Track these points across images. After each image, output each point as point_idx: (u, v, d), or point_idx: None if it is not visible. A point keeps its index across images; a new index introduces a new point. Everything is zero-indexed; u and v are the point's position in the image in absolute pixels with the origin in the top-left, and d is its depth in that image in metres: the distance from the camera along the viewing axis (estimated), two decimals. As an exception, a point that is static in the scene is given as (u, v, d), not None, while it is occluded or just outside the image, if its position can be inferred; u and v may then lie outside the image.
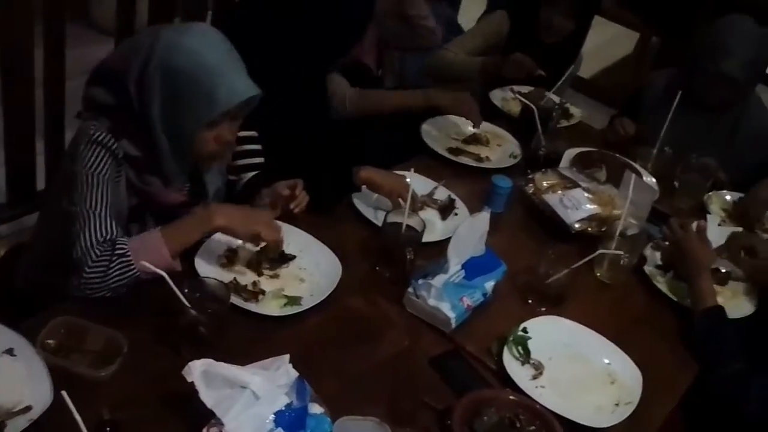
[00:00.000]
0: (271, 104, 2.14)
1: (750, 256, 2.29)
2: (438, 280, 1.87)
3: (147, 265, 1.61)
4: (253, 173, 2.19)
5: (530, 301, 2.03)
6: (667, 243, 2.27)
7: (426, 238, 2.05)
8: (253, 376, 1.42)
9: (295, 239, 1.97)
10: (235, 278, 1.83)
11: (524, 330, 1.87)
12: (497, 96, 3.11)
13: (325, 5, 2.15)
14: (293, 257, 1.94)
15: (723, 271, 2.27)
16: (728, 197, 2.71)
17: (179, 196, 1.92)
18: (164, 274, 1.59)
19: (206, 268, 1.82)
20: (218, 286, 1.68)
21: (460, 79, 3.18)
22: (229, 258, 1.89)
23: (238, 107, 1.76)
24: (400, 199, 2.15)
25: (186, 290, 1.61)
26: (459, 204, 2.35)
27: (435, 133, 2.74)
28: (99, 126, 1.73)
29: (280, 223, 1.95)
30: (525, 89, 3.07)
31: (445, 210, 2.32)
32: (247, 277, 1.85)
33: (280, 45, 2.14)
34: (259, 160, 2.20)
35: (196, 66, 1.69)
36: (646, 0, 4.77)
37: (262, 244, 1.88)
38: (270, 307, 1.78)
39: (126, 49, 1.78)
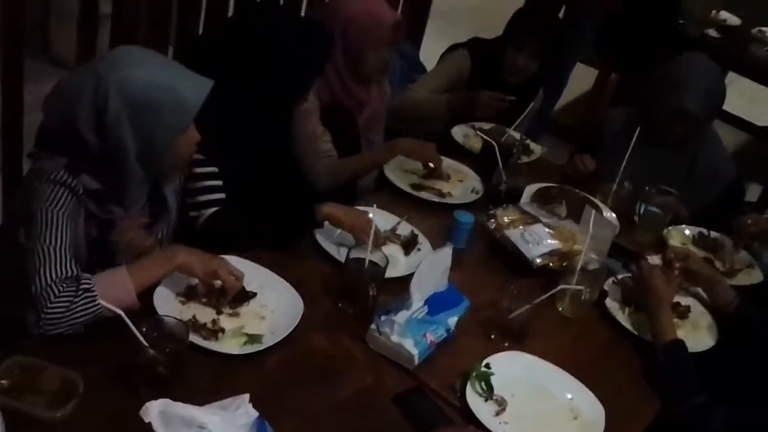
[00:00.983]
0: (231, 139, 2.15)
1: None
2: (401, 317, 1.86)
3: (104, 303, 1.60)
4: (214, 209, 2.17)
5: (493, 337, 2.03)
6: (632, 279, 2.28)
7: (389, 274, 2.05)
8: (212, 416, 1.40)
9: (255, 276, 1.95)
10: (194, 316, 1.81)
11: (487, 366, 1.86)
12: (459, 132, 3.13)
13: (279, 43, 2.17)
14: (254, 295, 1.92)
15: (683, 305, 2.29)
16: (687, 232, 2.74)
17: (142, 219, 1.91)
18: (122, 313, 1.57)
19: (165, 307, 1.79)
20: (177, 324, 1.65)
21: (428, 118, 3.20)
22: (188, 296, 1.87)
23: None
24: (363, 235, 2.14)
25: (144, 329, 1.58)
26: (422, 239, 2.35)
27: (397, 169, 2.74)
28: (55, 164, 1.70)
29: (247, 263, 1.96)
30: (486, 125, 3.10)
31: (408, 245, 2.31)
32: (206, 315, 1.82)
33: (237, 80, 2.14)
34: (220, 195, 2.19)
35: (155, 88, 1.71)
36: (604, 38, 4.85)
37: (219, 283, 1.86)
38: (230, 346, 1.75)
39: (64, 104, 1.73)
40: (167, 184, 1.97)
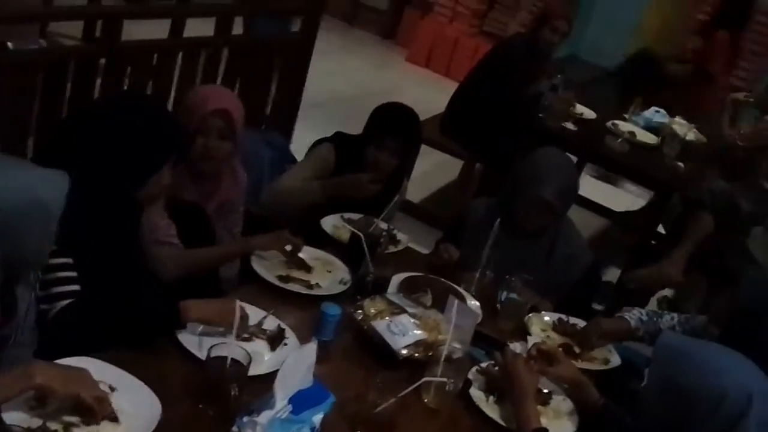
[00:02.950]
0: (82, 228, 2.08)
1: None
2: (264, 417, 1.82)
3: None
4: (68, 301, 2.09)
5: (358, 433, 2.01)
6: (497, 368, 2.32)
7: (254, 371, 2.01)
8: None
9: (109, 377, 1.87)
10: (44, 422, 1.71)
11: (351, 466, 1.84)
12: (328, 223, 3.15)
13: (125, 137, 2.16)
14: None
15: (545, 391, 2.35)
16: (547, 318, 2.82)
17: None
18: (-39, 424, 1.47)
19: (13, 414, 1.69)
20: (23, 434, 1.57)
21: (303, 206, 3.21)
22: (40, 401, 1.77)
23: None
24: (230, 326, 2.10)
25: (-13, 440, 1.49)
26: (289, 333, 2.33)
27: (264, 261, 2.72)
28: None
29: (99, 363, 1.88)
30: (354, 216, 3.13)
31: (274, 340, 2.28)
32: (57, 422, 1.73)
33: (86, 172, 2.11)
34: (74, 287, 2.10)
35: (29, 203, 1.68)
36: (465, 131, 5.05)
37: None
38: (81, 454, 1.67)
39: None
40: (20, 283, 1.87)
